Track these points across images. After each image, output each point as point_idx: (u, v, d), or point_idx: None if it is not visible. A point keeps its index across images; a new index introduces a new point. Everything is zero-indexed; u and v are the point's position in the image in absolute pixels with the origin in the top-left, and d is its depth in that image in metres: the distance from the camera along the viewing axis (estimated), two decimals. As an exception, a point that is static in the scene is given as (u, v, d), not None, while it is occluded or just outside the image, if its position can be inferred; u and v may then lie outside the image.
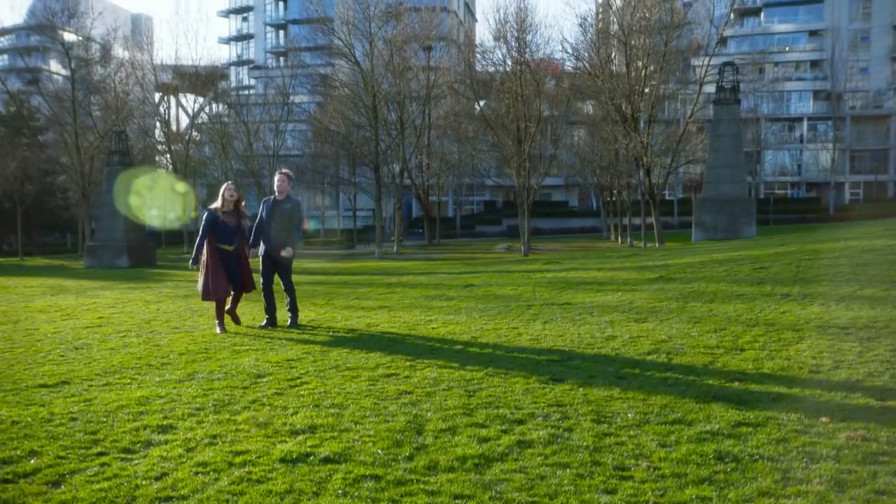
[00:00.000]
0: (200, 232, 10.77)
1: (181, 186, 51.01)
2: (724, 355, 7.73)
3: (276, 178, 11.14)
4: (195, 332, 11.08)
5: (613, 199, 53.43)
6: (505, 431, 5.57)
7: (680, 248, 24.76)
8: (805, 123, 79.11)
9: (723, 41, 67.43)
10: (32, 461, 5.28)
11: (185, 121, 64.36)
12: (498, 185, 70.09)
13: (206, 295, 10.87)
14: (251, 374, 7.76)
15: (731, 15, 73.06)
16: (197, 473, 4.93)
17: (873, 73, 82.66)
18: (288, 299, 11.22)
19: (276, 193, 11.07)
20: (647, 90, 36.07)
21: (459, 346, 8.92)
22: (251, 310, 13.02)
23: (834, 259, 14.23)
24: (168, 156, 57.92)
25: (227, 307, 11.20)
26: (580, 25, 39.84)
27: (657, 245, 33.21)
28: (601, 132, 43.07)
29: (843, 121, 77.45)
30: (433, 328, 10.46)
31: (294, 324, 11.11)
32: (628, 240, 43.13)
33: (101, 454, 5.42)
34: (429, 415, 6.05)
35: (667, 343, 8.51)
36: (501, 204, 75.37)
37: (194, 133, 59.46)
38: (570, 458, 4.98)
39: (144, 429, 5.98)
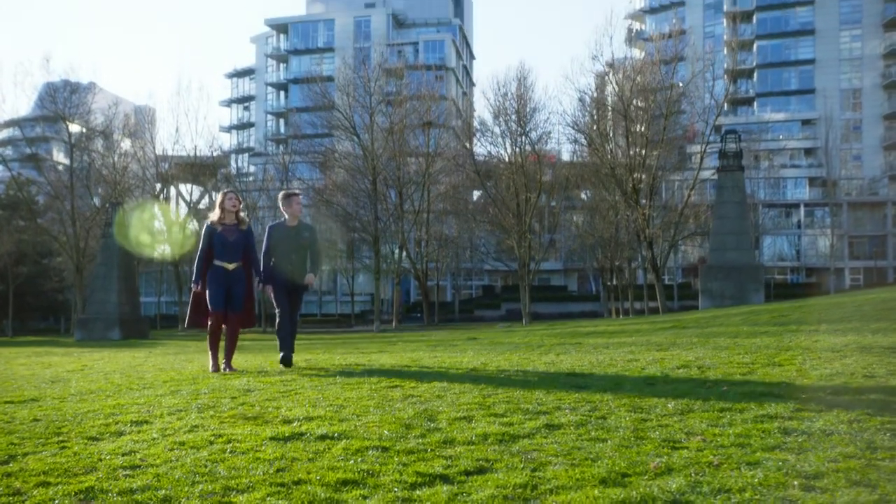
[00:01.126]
0: (199, 248, 9.03)
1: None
2: (762, 369, 7.01)
3: (289, 200, 9.22)
4: (184, 370, 10.32)
5: (614, 282, 52.81)
6: (529, 419, 4.85)
7: (688, 312, 24.09)
8: (802, 209, 79.48)
9: (717, 129, 68.46)
10: (-18, 448, 4.54)
11: (183, 208, 64.25)
12: (496, 270, 69.70)
13: (187, 321, 9.49)
14: (241, 390, 7.01)
15: (725, 104, 74.43)
16: (172, 449, 4.20)
17: (866, 161, 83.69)
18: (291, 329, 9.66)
19: (287, 218, 9.19)
20: (648, 161, 36.06)
21: (468, 370, 8.18)
22: (244, 360, 12.26)
23: (857, 307, 13.58)
24: (168, 246, 57.01)
25: (223, 362, 9.32)
26: (580, 100, 40.00)
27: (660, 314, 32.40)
28: (600, 209, 42.93)
29: (840, 207, 77.83)
30: (438, 360, 9.72)
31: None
32: (630, 316, 42.35)
33: (62, 442, 4.68)
34: (441, 408, 5.33)
35: (696, 361, 7.79)
36: (500, 288, 74.74)
37: (193, 222, 59.10)
38: (609, 435, 4.26)
39: (116, 423, 5.25)
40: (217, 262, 8.93)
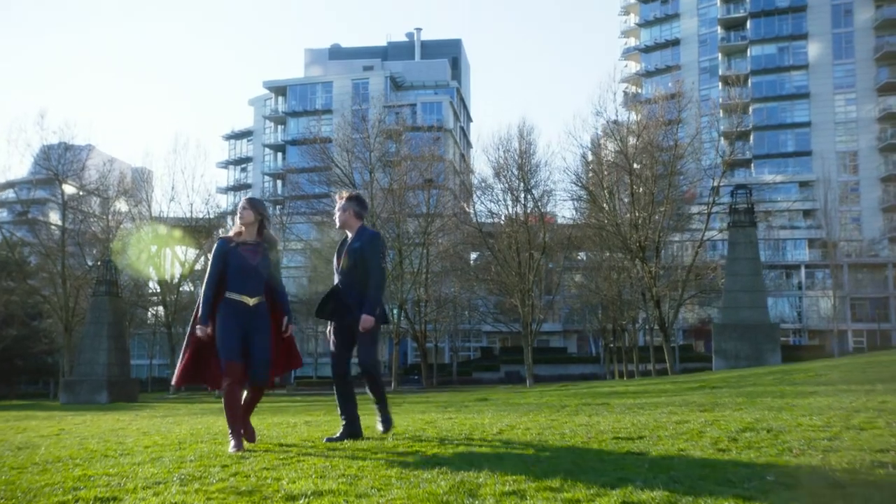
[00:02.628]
0: (207, 273, 6.45)
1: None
2: (844, 433, 5.99)
3: (338, 205, 6.94)
4: (170, 434, 9.24)
5: (616, 344, 51.61)
6: (597, 494, 3.84)
7: (706, 373, 22.97)
8: (803, 271, 78.84)
9: (716, 190, 68.35)
10: None
11: (178, 269, 63.17)
12: (495, 331, 68.59)
13: (179, 375, 6.63)
14: (235, 457, 5.96)
15: (724, 166, 74.42)
16: (139, 538, 3.18)
17: (865, 223, 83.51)
18: (369, 388, 7.08)
19: (339, 228, 7.00)
20: (654, 217, 35.40)
21: (494, 432, 7.13)
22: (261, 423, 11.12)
23: (900, 364, 12.58)
24: (161, 308, 55.81)
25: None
26: (583, 156, 39.66)
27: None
28: (603, 268, 42.12)
29: (841, 269, 77.17)
30: (455, 421, 8.65)
31: (388, 425, 7.13)
32: (639, 378, 41.08)
33: (2, 525, 3.66)
34: (480, 480, 4.30)
35: (758, 424, 6.76)
36: (499, 350, 73.51)
37: (188, 284, 58.08)
38: (718, 519, 3.25)
39: (76, 501, 4.21)
40: (231, 295, 6.37)
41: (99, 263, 36.77)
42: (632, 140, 36.39)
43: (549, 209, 42.13)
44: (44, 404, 33.97)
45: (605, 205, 36.50)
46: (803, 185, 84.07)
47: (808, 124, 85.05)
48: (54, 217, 63.93)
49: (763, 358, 23.87)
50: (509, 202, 39.50)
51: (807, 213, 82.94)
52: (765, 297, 26.37)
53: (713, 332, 25.80)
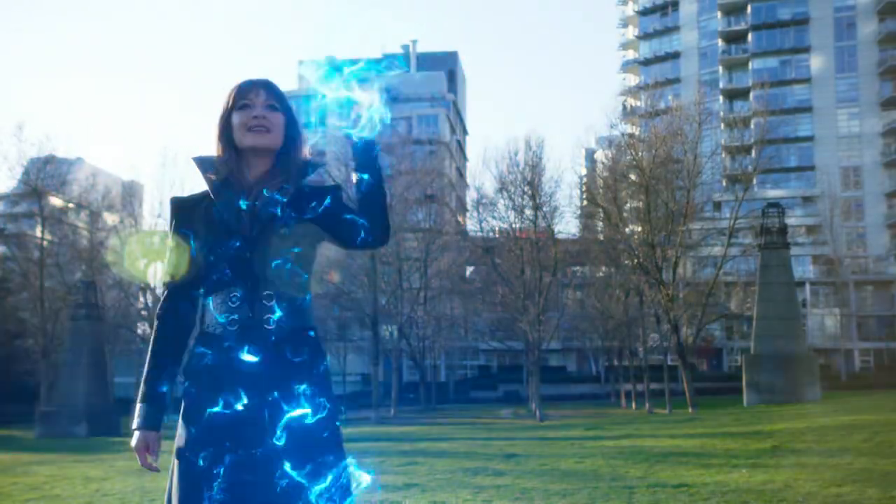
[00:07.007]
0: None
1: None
2: None
3: None
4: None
5: (624, 363, 49.71)
6: None
7: (737, 413, 20.98)
8: (808, 288, 77.17)
9: (717, 206, 66.65)
10: None
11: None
12: (493, 350, 66.95)
13: None
14: None
15: (724, 181, 72.85)
16: None
17: (870, 239, 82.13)
18: None
19: None
20: (671, 236, 33.53)
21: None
22: None
23: None
24: (148, 326, 53.67)
25: None
26: (594, 171, 37.99)
27: (690, 411, 29.17)
28: (612, 288, 40.28)
29: (846, 286, 75.55)
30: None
31: None
32: (646, 405, 39.03)
33: None
34: None
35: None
36: (497, 369, 71.93)
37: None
38: None
39: None
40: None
41: (79, 284, 34.59)
42: (645, 154, 34.56)
43: (556, 225, 40.29)
44: (16, 437, 31.66)
45: (618, 223, 34.61)
46: (807, 200, 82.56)
47: (811, 139, 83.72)
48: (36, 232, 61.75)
49: (800, 392, 22.02)
50: (513, 218, 37.68)
51: (810, 230, 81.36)
52: (801, 325, 24.51)
53: (743, 364, 23.90)
